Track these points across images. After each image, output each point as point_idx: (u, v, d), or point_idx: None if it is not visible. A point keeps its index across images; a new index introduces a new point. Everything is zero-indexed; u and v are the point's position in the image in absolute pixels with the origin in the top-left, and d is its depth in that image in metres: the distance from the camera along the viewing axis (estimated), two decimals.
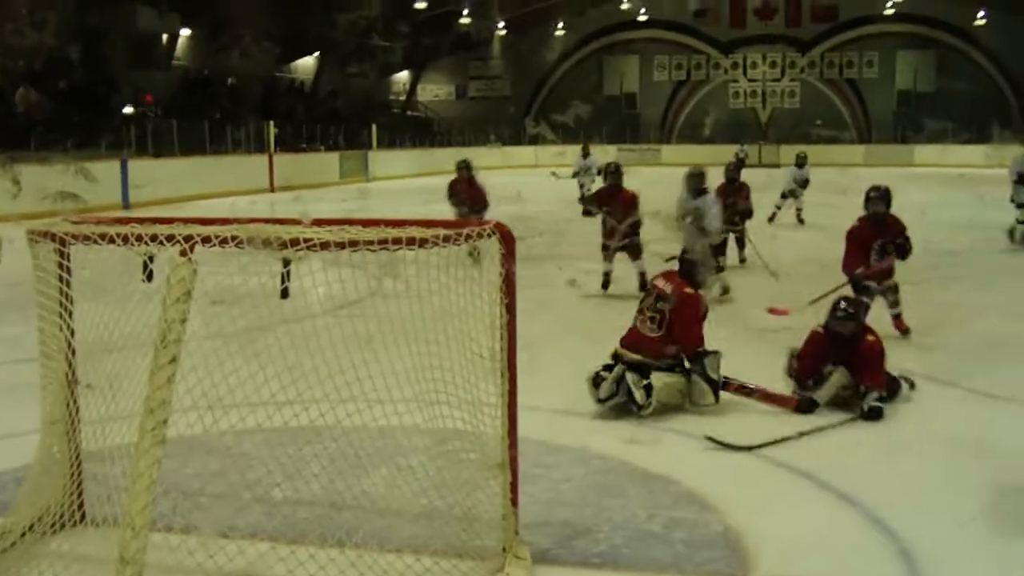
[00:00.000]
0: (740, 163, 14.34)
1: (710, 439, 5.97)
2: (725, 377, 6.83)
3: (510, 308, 4.15)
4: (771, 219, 19.03)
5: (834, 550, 4.63)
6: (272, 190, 30.64)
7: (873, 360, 6.69)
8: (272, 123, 33.18)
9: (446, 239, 3.81)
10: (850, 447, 6.05)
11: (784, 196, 20.03)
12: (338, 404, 4.36)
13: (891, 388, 6.82)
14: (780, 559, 4.51)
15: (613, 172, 11.86)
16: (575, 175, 23.86)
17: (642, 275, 10.87)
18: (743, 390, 6.86)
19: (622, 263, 11.47)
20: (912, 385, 7.12)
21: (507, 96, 56.23)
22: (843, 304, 6.87)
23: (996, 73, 50.19)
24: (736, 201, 13.58)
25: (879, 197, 9.25)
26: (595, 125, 48.94)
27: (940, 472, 5.58)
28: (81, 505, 4.62)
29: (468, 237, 3.91)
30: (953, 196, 26.18)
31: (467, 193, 14.17)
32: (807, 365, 6.93)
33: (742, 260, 13.68)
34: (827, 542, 4.71)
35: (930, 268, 13.81)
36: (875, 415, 6.47)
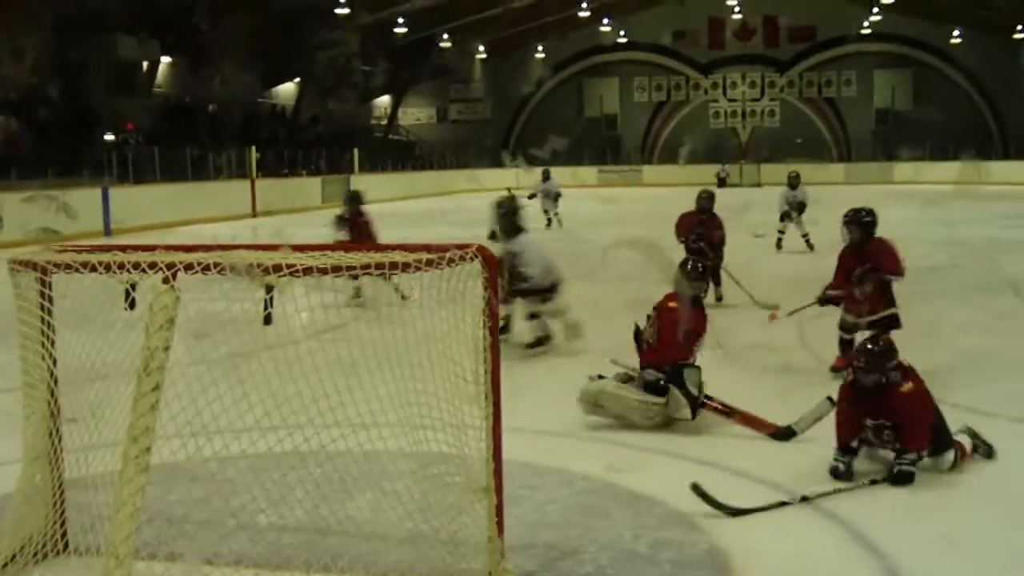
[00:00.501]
0: (711, 198, 12.67)
1: (696, 490, 5.31)
2: (706, 395, 6.85)
3: (493, 331, 4.16)
4: (779, 245, 18.40)
5: (819, 569, 4.64)
6: (255, 215, 30.60)
7: (907, 414, 5.65)
8: (254, 149, 33.16)
9: (429, 263, 3.82)
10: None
11: (783, 219, 18.86)
12: (322, 429, 4.36)
13: (937, 447, 5.76)
14: None
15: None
16: (531, 196, 23.55)
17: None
18: (723, 410, 6.86)
19: None
20: (987, 452, 6.07)
21: (488, 119, 56.40)
22: (862, 352, 5.89)
23: (973, 91, 50.64)
24: (704, 233, 12.30)
25: (850, 221, 8.64)
26: (575, 148, 49.26)
27: (925, 489, 5.59)
28: (64, 534, 4.60)
29: (452, 261, 3.92)
30: (932, 214, 26.33)
31: (355, 227, 12.96)
32: (844, 427, 5.85)
33: (719, 298, 12.20)
34: (812, 561, 4.72)
35: (911, 284, 13.89)
36: (902, 480, 5.54)
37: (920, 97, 50.93)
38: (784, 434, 6.59)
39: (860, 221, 8.60)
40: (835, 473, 5.69)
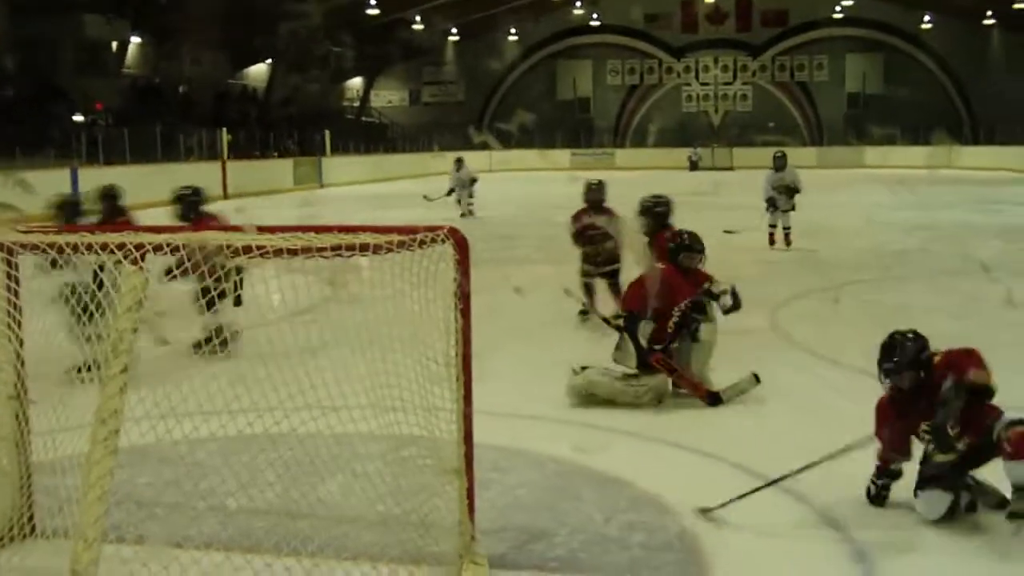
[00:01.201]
0: (599, 188, 10.40)
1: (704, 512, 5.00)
2: (654, 347, 6.89)
3: (465, 313, 4.15)
4: (771, 241, 16.18)
5: (790, 552, 4.66)
6: (226, 197, 30.40)
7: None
8: (224, 130, 32.92)
9: (400, 244, 3.80)
10: (806, 450, 6.08)
11: (769, 207, 16.17)
12: (292, 412, 4.34)
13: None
14: (737, 562, 4.54)
15: None
16: (450, 192, 23.39)
17: None
18: (666, 366, 6.95)
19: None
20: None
21: (461, 101, 56.24)
22: (887, 351, 5.06)
23: (943, 76, 50.94)
24: (596, 236, 9.94)
25: (643, 211, 8.72)
26: (548, 130, 49.25)
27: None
28: (32, 518, 4.56)
29: (423, 243, 3.90)
30: (903, 198, 26.49)
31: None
32: (890, 445, 5.07)
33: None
34: (783, 544, 4.74)
35: (882, 269, 14.01)
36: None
37: (891, 81, 51.16)
38: (714, 399, 6.91)
39: (652, 210, 8.49)
40: (869, 495, 5.15)
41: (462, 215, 22.22)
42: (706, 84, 55.29)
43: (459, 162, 23.74)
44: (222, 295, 4.16)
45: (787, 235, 16.10)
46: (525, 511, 5.08)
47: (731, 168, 44.86)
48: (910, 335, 5.04)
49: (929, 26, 50.40)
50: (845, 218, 21.46)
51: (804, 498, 5.19)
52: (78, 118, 30.71)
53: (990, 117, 46.12)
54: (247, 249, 3.62)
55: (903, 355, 4.94)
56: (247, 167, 33.39)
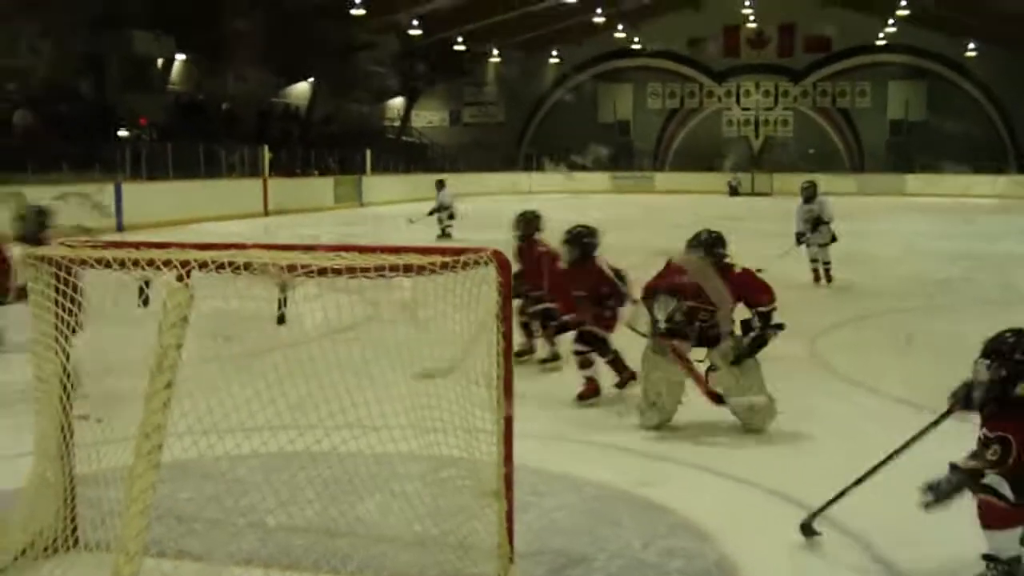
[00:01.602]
0: (529, 222, 9.44)
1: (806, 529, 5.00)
2: (671, 329, 6.93)
3: (507, 335, 4.16)
4: (816, 278, 15.10)
5: None
6: (266, 214, 30.66)
7: None
8: (266, 147, 33.21)
9: (443, 266, 3.82)
10: (845, 477, 6.04)
11: (799, 243, 15.22)
12: (333, 430, 4.36)
13: None
14: None
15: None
16: (432, 212, 23.23)
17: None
18: (674, 350, 6.93)
19: None
20: None
21: (501, 122, 56.42)
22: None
23: (987, 104, 50.49)
24: (529, 275, 8.94)
25: (569, 240, 8.14)
26: (591, 152, 49.38)
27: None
28: (75, 530, 4.60)
29: (466, 265, 3.91)
30: (946, 227, 26.29)
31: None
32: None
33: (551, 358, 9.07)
34: (822, 573, 4.70)
35: (924, 297, 13.89)
36: None
37: (934, 109, 50.74)
38: (716, 399, 6.99)
39: (579, 240, 8.04)
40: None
41: (438, 236, 22.12)
42: (747, 109, 55.13)
43: (440, 184, 23.84)
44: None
45: (827, 271, 15.06)
46: (563, 535, 5.07)
47: (770, 194, 44.68)
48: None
49: (974, 54, 50.01)
50: (886, 246, 21.31)
51: (843, 526, 5.14)
52: (123, 133, 31.08)
53: None
54: (292, 268, 3.65)
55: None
56: (288, 184, 33.65)
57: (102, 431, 4.40)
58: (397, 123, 53.37)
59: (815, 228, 14.98)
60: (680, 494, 5.62)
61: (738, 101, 55.21)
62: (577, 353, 7.87)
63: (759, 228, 19.84)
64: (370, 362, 4.20)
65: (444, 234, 22.63)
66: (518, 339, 8.89)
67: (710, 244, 7.07)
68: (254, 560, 4.46)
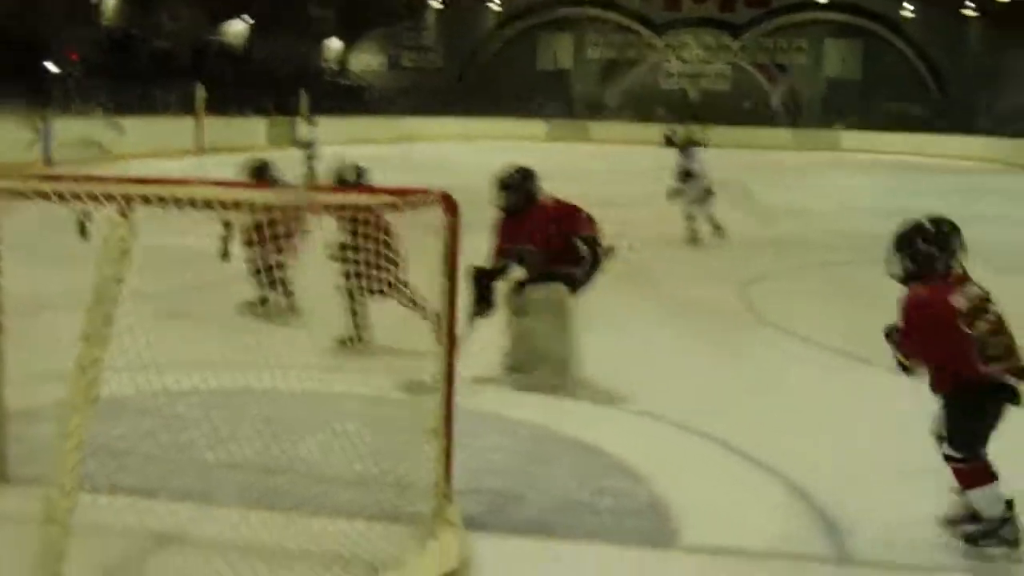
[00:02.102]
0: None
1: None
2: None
3: (451, 276, 4.16)
4: (692, 238, 14.00)
5: (758, 520, 4.73)
6: (199, 153, 30.17)
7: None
8: (201, 85, 32.58)
9: (391, 206, 3.81)
10: (776, 420, 6.18)
11: (674, 196, 13.99)
12: (276, 369, 4.35)
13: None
14: (705, 528, 4.61)
15: None
16: (302, 145, 22.52)
17: None
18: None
19: None
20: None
21: (440, 68, 55.89)
22: None
23: (920, 64, 51.09)
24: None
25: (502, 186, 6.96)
26: (526, 101, 49.11)
27: (862, 445, 5.69)
28: (2, 464, 4.56)
29: (413, 205, 3.91)
30: (879, 183, 26.66)
31: None
32: None
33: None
34: (752, 512, 4.82)
35: (856, 250, 14.13)
36: None
37: (870, 67, 51.26)
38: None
39: (522, 184, 6.95)
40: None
41: (304, 174, 20.61)
42: (686, 62, 55.19)
43: (309, 122, 23.55)
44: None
45: (715, 225, 14.00)
46: (498, 475, 5.13)
47: (706, 146, 44.87)
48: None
49: (910, 13, 50.52)
50: (819, 201, 21.57)
51: (774, 468, 5.27)
52: (53, 68, 30.30)
53: (966, 107, 46.34)
54: (237, 204, 3.62)
55: None
56: (221, 124, 33.08)
57: (34, 366, 4.35)
58: (335, 66, 52.62)
59: (685, 182, 13.96)
60: (615, 437, 5.71)
61: (677, 54, 55.24)
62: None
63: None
64: (314, 303, 4.20)
65: (310, 171, 21.63)
66: None
67: (521, 181, 6.87)
68: (192, 496, 4.46)
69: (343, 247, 5.90)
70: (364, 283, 5.83)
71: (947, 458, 4.38)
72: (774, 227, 15.92)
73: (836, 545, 4.51)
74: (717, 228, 14.07)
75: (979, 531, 4.41)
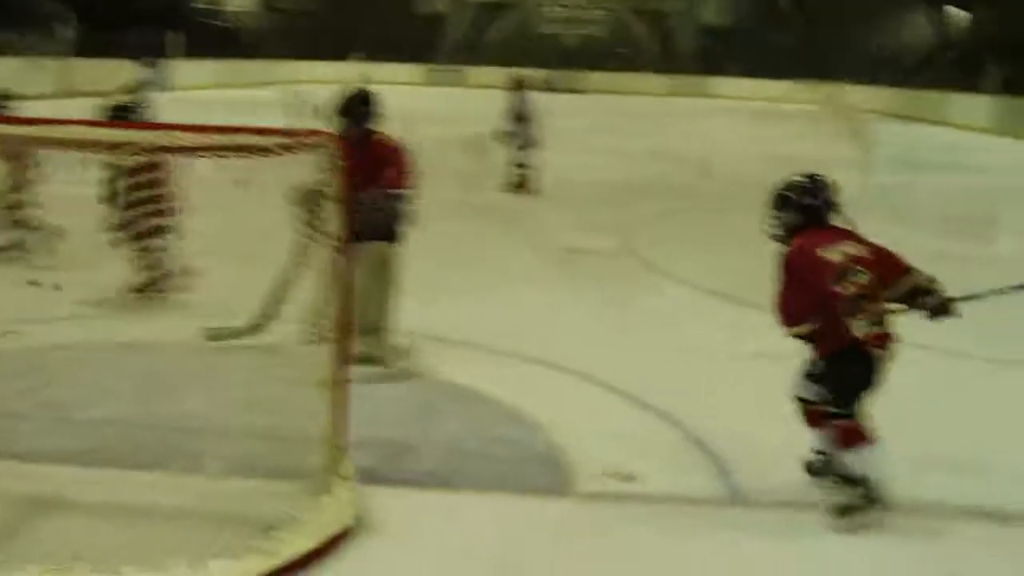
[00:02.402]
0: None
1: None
2: None
3: (340, 223, 4.00)
4: (518, 184, 13.37)
5: (654, 466, 4.74)
6: (64, 96, 28.98)
7: None
8: (65, 24, 31.21)
9: (281, 147, 3.63)
10: (667, 366, 6.23)
11: (502, 140, 13.44)
12: (153, 319, 4.16)
13: None
14: (601, 475, 4.60)
15: None
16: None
17: None
18: None
19: None
20: None
21: (313, 10, 54.64)
22: None
23: (797, 14, 51.85)
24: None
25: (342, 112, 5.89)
26: (401, 45, 48.43)
27: (749, 387, 5.71)
28: None
29: (298, 147, 3.72)
30: (753, 130, 27.07)
31: None
32: None
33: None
34: (647, 458, 4.82)
35: (730, 196, 14.34)
36: None
37: (746, 16, 51.91)
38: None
39: (359, 109, 5.96)
40: None
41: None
42: (563, 6, 55.07)
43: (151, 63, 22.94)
44: None
45: (523, 178, 13.33)
46: (391, 426, 5.03)
47: (585, 92, 44.99)
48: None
49: None
50: (693, 147, 21.81)
51: (668, 415, 5.29)
52: None
53: (845, 56, 47.17)
54: (121, 145, 3.40)
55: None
56: (87, 65, 31.80)
57: None
58: (208, 6, 50.96)
59: (517, 126, 13.35)
60: (509, 387, 5.65)
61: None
62: None
63: (567, 124, 19.98)
64: (199, 251, 4.01)
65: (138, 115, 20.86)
66: None
67: (356, 104, 5.93)
68: (70, 457, 4.24)
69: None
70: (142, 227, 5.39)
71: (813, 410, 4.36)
72: (643, 172, 16.10)
73: (729, 487, 4.56)
74: (525, 182, 13.30)
75: (820, 463, 4.47)
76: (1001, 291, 4.47)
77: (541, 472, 4.63)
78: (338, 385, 4.13)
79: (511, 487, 4.47)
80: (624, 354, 6.48)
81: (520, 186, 13.31)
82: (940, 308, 4.28)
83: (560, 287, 8.25)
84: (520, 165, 13.34)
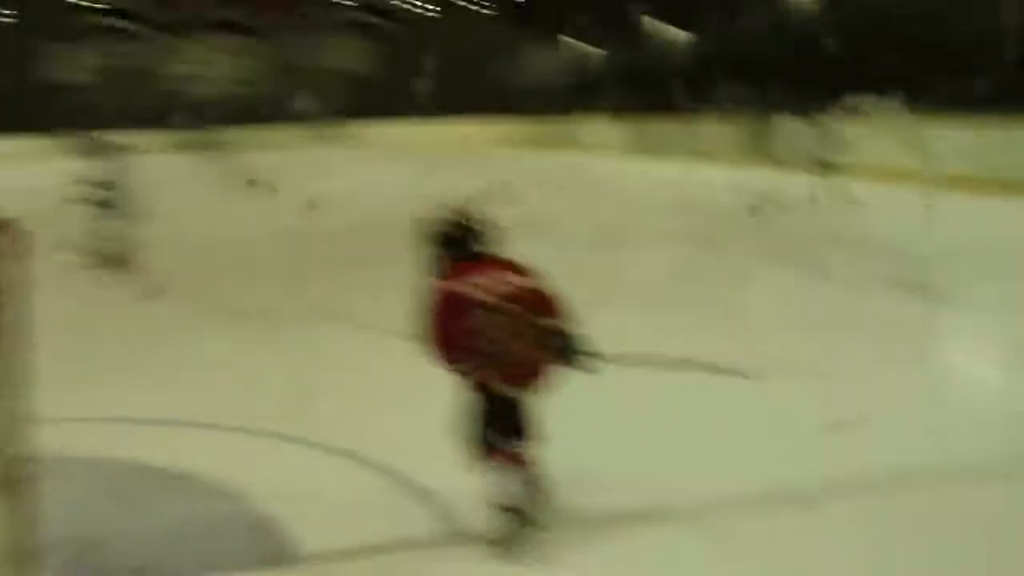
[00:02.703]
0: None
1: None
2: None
3: (7, 307, 3.61)
4: (108, 263, 11.54)
5: (375, 517, 4.60)
6: None
7: None
8: None
9: None
10: (362, 411, 6.18)
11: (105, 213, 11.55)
12: None
13: None
14: (323, 535, 4.43)
15: None
16: None
17: None
18: None
19: None
20: None
21: None
22: None
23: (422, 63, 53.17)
24: None
25: None
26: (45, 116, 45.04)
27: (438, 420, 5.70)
28: None
29: None
30: (395, 172, 27.44)
31: None
32: None
33: None
34: (367, 511, 4.68)
35: (382, 242, 14.45)
36: None
37: (381, 63, 52.63)
38: None
39: None
40: None
41: None
42: (204, 64, 53.27)
43: None
44: None
45: (119, 257, 11.49)
46: (81, 521, 4.61)
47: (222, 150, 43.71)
48: None
49: (435, 15, 52.59)
50: (342, 192, 21.85)
51: (384, 465, 5.16)
52: None
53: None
54: None
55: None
56: None
57: None
58: None
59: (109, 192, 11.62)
60: (206, 458, 5.36)
61: (193, 57, 53.23)
62: None
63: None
64: None
65: None
66: None
67: None
68: None
69: None
70: None
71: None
72: (307, 221, 16.23)
73: (446, 521, 4.50)
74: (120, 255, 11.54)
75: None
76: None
77: (253, 545, 4.38)
78: (24, 487, 3.73)
79: (227, 564, 4.21)
80: (310, 405, 6.33)
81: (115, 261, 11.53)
82: (573, 360, 4.20)
83: (240, 348, 8.02)
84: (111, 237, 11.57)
